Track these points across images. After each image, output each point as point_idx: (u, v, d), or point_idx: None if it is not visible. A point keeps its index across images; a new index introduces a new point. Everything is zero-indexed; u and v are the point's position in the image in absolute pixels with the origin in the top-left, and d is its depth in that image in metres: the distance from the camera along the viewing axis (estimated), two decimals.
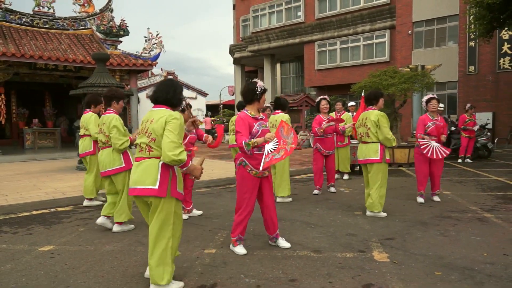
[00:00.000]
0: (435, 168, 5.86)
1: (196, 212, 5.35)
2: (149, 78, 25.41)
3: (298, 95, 19.61)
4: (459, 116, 10.83)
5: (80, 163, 9.89)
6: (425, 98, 5.92)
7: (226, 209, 5.60)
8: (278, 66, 28.01)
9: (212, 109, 35.38)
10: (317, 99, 6.91)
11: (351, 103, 9.98)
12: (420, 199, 5.84)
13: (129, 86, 15.78)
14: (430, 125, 5.74)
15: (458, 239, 4.10)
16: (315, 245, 3.97)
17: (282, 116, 5.92)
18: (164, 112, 2.89)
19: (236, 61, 28.61)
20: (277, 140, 3.67)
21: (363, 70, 19.23)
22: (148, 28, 16.38)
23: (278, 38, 23.82)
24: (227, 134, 11.07)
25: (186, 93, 24.49)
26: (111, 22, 15.87)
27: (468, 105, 10.76)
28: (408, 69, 12.53)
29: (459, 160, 10.56)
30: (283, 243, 3.93)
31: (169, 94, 2.98)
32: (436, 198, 5.91)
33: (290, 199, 6.17)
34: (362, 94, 7.47)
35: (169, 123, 2.81)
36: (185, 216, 5.20)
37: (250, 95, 3.78)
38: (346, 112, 8.38)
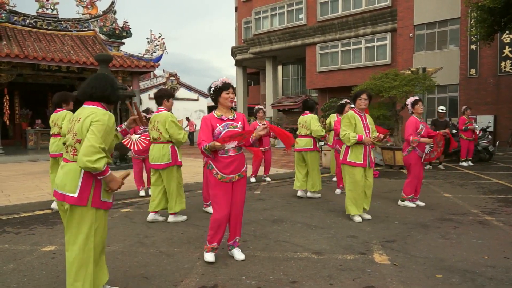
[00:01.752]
0: (421, 172, 5.80)
1: None
2: (151, 79, 25.46)
3: (299, 97, 19.67)
4: (459, 119, 10.73)
5: None
6: (410, 100, 5.76)
7: None
8: (279, 68, 28.05)
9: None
10: (342, 102, 7.07)
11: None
12: (411, 204, 5.75)
13: (131, 87, 15.83)
14: (422, 127, 5.63)
15: (459, 241, 4.10)
16: (316, 247, 3.98)
17: (311, 117, 6.33)
18: (93, 111, 2.61)
19: (238, 63, 28.66)
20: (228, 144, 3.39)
21: (364, 73, 19.24)
22: (151, 30, 16.47)
23: (280, 40, 23.86)
24: None
25: (187, 94, 24.54)
26: (114, 24, 15.96)
27: (464, 107, 10.69)
28: (410, 72, 12.53)
29: (464, 163, 10.44)
30: (237, 254, 3.67)
31: (107, 91, 2.70)
32: (420, 203, 5.82)
33: (319, 195, 6.54)
34: None
35: (94, 123, 2.53)
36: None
37: (211, 96, 3.64)
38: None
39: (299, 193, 6.61)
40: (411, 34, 18.67)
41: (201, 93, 25.18)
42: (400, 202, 5.88)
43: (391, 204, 5.96)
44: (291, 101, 19.34)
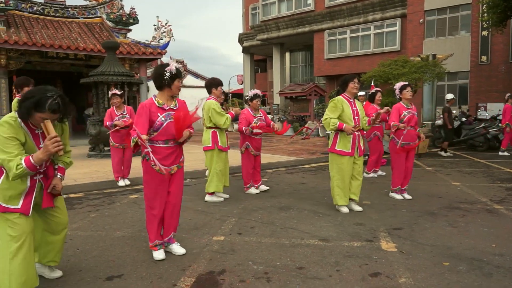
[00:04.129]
0: (409, 162, 5.49)
1: (263, 187, 6.08)
2: None
3: (307, 84, 19.49)
4: (504, 106, 9.98)
5: (91, 151, 10.01)
6: (399, 85, 5.55)
7: (234, 197, 5.65)
8: (287, 55, 27.81)
9: None
10: (373, 90, 7.33)
11: (361, 93, 9.92)
12: (398, 196, 5.49)
13: (138, 74, 15.85)
14: (406, 114, 5.38)
15: (466, 230, 4.09)
16: (322, 234, 4.00)
17: None
18: None
19: (245, 50, 28.45)
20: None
21: (373, 60, 19.01)
22: (158, 17, 16.36)
23: (288, 27, 23.61)
24: None
25: (195, 81, 24.50)
26: (121, 11, 15.87)
27: (508, 94, 10.05)
28: (419, 59, 12.38)
29: (505, 153, 9.98)
30: (177, 248, 3.49)
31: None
32: (407, 195, 5.51)
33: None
34: (372, 84, 7.44)
35: None
36: (256, 191, 5.94)
37: (159, 80, 3.26)
38: None
39: None
40: (421, 20, 18.34)
41: None
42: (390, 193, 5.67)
43: None
44: (298, 89, 19.13)
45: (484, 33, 16.53)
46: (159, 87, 3.31)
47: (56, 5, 15.91)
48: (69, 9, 16.15)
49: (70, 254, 3.49)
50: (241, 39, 28.04)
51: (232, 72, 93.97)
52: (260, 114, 5.93)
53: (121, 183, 6.55)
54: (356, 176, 4.86)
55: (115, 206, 5.25)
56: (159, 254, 3.36)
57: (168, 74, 3.23)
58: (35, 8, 15.40)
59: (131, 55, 14.83)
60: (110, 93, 6.63)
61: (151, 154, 3.14)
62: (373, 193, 5.88)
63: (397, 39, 19.71)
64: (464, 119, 11.39)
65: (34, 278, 2.59)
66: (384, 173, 7.39)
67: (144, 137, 3.10)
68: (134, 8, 16.11)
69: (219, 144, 5.38)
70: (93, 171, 7.69)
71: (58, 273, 3.04)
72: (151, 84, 21.31)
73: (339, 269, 3.13)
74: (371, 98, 7.37)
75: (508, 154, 10.02)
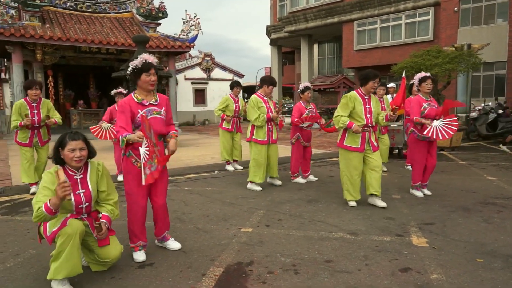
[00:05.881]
0: (432, 159, 5.21)
1: (311, 178, 6.35)
2: (187, 60, 25.72)
3: (335, 76, 19.24)
4: None
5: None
6: (418, 76, 5.22)
7: (263, 190, 5.67)
8: (315, 46, 27.44)
9: (248, 90, 35.46)
10: (409, 83, 7.07)
11: (391, 85, 9.68)
12: (418, 193, 5.25)
13: (167, 67, 16.09)
14: (426, 106, 5.09)
15: (502, 226, 3.95)
16: (351, 228, 3.96)
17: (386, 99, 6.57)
18: None
19: (272, 42, 28.29)
20: (146, 142, 2.98)
21: (404, 50, 18.48)
22: (186, 10, 16.59)
23: (316, 18, 23.27)
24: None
25: (222, 74, 24.63)
26: (150, 5, 16.13)
27: None
28: (453, 49, 11.92)
29: None
30: (173, 244, 3.46)
31: None
32: (427, 191, 5.30)
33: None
34: (403, 75, 7.22)
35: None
36: (303, 180, 6.22)
37: (131, 75, 3.17)
38: (385, 95, 8.13)
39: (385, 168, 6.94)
40: (455, 8, 17.64)
41: (236, 73, 25.21)
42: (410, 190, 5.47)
43: (430, 186, 5.78)
44: (327, 81, 18.93)
45: None
46: (133, 83, 3.23)
47: (89, 1, 16.34)
48: (101, 5, 16.56)
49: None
50: (268, 31, 27.88)
51: (260, 65, 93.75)
52: (311, 106, 6.17)
53: (120, 178, 6.37)
54: (374, 169, 4.67)
55: None
56: (140, 256, 3.23)
57: (131, 69, 3.13)
58: (68, 4, 15.88)
59: (160, 48, 15.07)
60: (114, 91, 6.48)
61: (142, 155, 2.99)
62: (404, 187, 5.77)
63: (430, 29, 19.05)
64: (501, 111, 10.93)
65: (78, 267, 2.72)
66: None
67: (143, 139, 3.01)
68: (163, 2, 16.33)
69: (254, 137, 5.69)
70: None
71: None
72: (180, 77, 21.66)
73: (368, 263, 3.09)
74: (409, 90, 7.10)
75: None
